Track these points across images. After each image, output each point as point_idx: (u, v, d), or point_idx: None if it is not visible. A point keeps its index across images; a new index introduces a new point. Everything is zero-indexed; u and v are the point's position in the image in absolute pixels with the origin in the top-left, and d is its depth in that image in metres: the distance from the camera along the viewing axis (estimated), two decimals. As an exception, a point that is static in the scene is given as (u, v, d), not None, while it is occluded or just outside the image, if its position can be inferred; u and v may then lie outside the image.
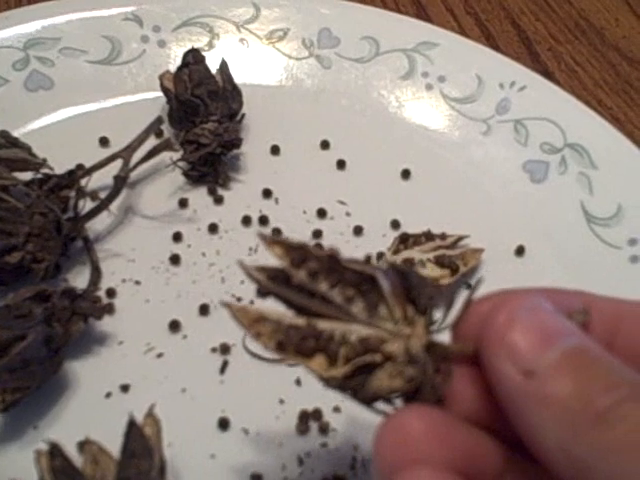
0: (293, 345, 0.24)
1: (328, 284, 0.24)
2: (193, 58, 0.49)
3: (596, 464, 0.21)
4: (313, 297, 0.24)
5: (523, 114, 0.51)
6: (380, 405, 0.25)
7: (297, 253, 0.24)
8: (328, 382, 0.24)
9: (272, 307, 0.25)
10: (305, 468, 0.37)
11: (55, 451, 0.32)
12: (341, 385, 0.24)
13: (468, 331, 0.25)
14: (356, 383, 0.24)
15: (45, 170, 0.44)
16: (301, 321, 0.24)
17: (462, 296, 0.25)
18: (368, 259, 0.25)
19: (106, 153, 0.45)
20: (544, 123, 0.50)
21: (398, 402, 0.25)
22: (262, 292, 0.25)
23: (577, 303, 0.25)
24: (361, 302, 0.24)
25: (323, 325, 0.24)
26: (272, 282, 0.24)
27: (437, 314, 0.25)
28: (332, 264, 0.24)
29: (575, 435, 0.21)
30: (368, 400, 0.24)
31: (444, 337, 0.25)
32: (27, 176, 0.43)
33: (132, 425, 0.32)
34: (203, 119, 0.47)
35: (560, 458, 0.22)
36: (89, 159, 0.45)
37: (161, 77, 0.49)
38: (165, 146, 0.43)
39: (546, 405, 0.21)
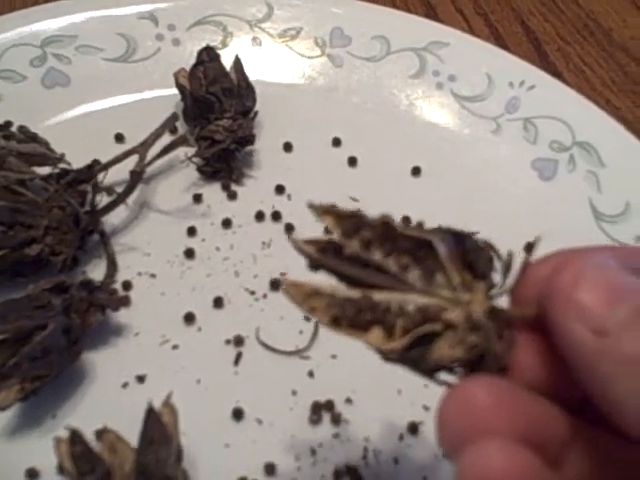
0: (348, 319, 0.23)
1: (382, 253, 0.23)
2: (208, 56, 0.49)
3: None
4: (366, 268, 0.23)
5: (532, 113, 0.51)
6: (442, 376, 0.24)
7: (349, 222, 0.23)
8: (387, 355, 0.23)
9: (325, 281, 0.24)
10: (318, 458, 0.38)
11: (75, 437, 0.33)
12: (401, 357, 0.23)
13: (527, 295, 0.24)
14: (416, 354, 0.23)
15: (63, 165, 0.44)
16: (355, 293, 0.23)
17: (520, 259, 0.24)
18: (421, 224, 0.24)
19: (121, 149, 0.46)
20: (553, 122, 0.51)
21: (460, 372, 0.24)
22: (313, 265, 0.24)
23: None
24: (417, 270, 0.23)
25: (379, 296, 0.23)
26: (323, 255, 0.24)
27: (496, 278, 0.24)
28: (386, 231, 0.23)
29: None
30: (429, 371, 0.24)
31: (503, 303, 0.24)
32: (45, 171, 0.44)
33: (151, 412, 0.33)
34: (217, 116, 0.48)
35: (637, 418, 0.21)
36: (105, 155, 0.46)
37: (176, 74, 0.50)
38: (181, 142, 0.44)
39: (623, 362, 0.21)
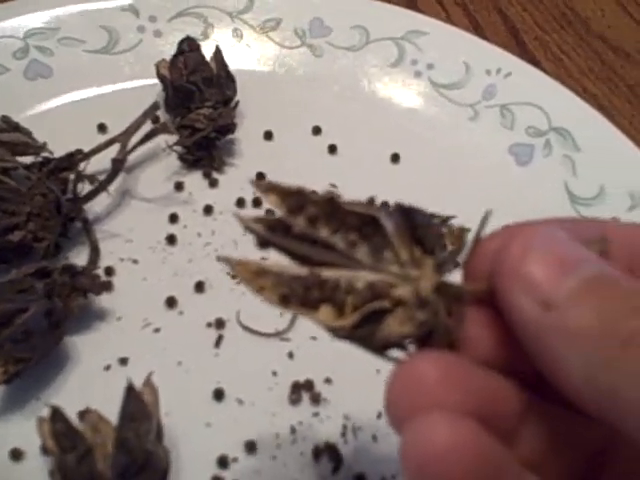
0: (298, 297, 0.23)
1: (329, 230, 0.23)
2: (188, 46, 0.50)
3: (625, 391, 0.20)
4: (315, 245, 0.23)
5: (509, 99, 0.52)
6: (392, 353, 0.24)
7: (294, 199, 0.23)
8: (336, 332, 0.23)
9: (274, 260, 0.23)
10: (297, 436, 0.39)
11: (56, 415, 0.33)
12: (350, 335, 0.23)
13: (479, 269, 0.24)
14: (366, 332, 0.23)
15: (45, 154, 0.45)
16: (304, 271, 0.23)
17: (471, 234, 0.24)
18: (371, 201, 0.24)
19: (104, 139, 0.47)
20: (529, 108, 0.52)
21: (411, 348, 0.24)
22: (261, 244, 0.24)
23: (594, 232, 0.24)
24: (365, 246, 0.23)
25: (327, 274, 0.23)
26: (271, 233, 0.23)
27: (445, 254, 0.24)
28: (332, 208, 0.23)
29: (601, 363, 0.20)
30: (379, 348, 0.23)
31: (455, 278, 0.24)
32: (28, 160, 0.44)
33: (130, 390, 0.34)
34: (198, 105, 0.49)
35: (586, 390, 0.21)
36: (88, 145, 0.46)
37: (157, 65, 0.50)
38: (162, 129, 0.45)
39: (569, 336, 0.20)
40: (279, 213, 0.23)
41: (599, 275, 0.21)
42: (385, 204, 0.24)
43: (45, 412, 0.35)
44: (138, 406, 0.34)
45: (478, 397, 0.22)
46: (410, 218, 0.23)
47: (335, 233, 0.23)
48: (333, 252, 0.23)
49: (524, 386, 0.24)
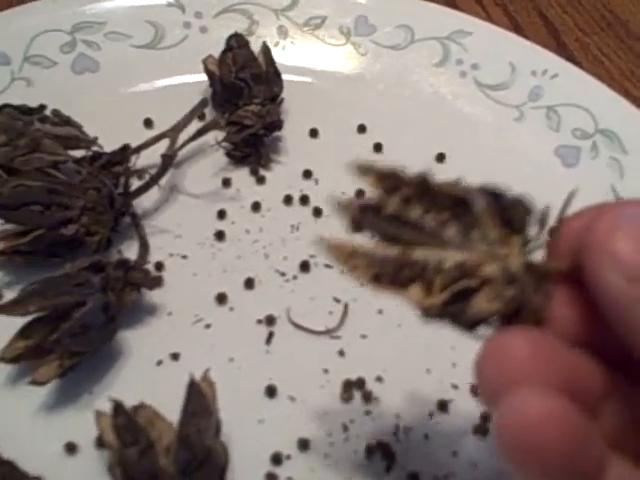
0: (389, 276, 0.24)
1: (421, 209, 0.24)
2: (237, 42, 0.50)
3: None
4: (406, 226, 0.24)
5: (555, 101, 0.52)
6: (481, 330, 0.25)
7: (389, 181, 0.24)
8: (427, 311, 0.24)
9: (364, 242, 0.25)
10: (350, 434, 0.39)
11: (118, 409, 0.34)
12: (440, 313, 0.24)
13: (562, 248, 0.25)
14: (455, 309, 0.24)
15: (95, 148, 0.45)
16: (395, 251, 0.24)
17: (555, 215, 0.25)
18: (461, 182, 0.25)
19: (150, 134, 0.47)
20: (575, 110, 0.52)
21: (499, 326, 0.25)
22: (354, 225, 0.25)
23: None
24: (455, 225, 0.24)
25: (417, 254, 0.24)
26: (363, 214, 0.24)
27: (532, 233, 0.25)
28: (424, 188, 0.24)
29: None
30: (469, 326, 0.24)
31: (539, 257, 0.25)
32: (77, 154, 0.44)
33: (192, 385, 0.34)
34: (246, 101, 0.49)
35: None
36: (133, 139, 0.47)
37: (205, 61, 0.50)
38: (213, 125, 0.45)
39: None
40: (375, 194, 0.24)
41: None
42: (476, 187, 0.25)
43: (99, 406, 0.35)
44: (199, 402, 0.34)
45: (565, 373, 0.23)
46: (498, 199, 0.25)
47: (427, 212, 0.24)
48: (423, 232, 0.24)
49: (608, 364, 0.24)
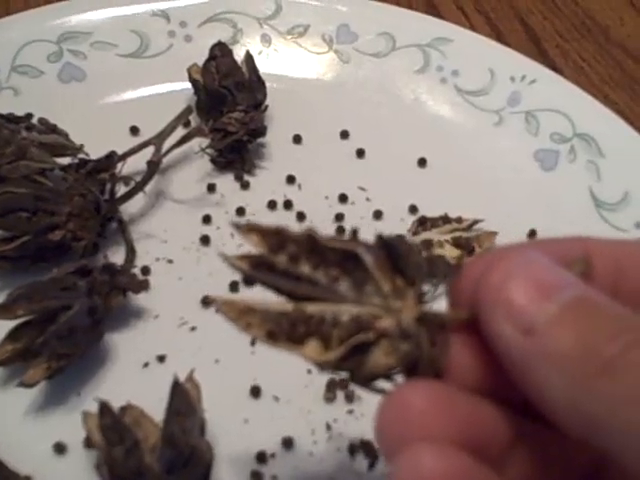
0: (284, 332, 0.23)
1: (310, 266, 0.24)
2: (220, 51, 0.51)
3: (606, 417, 0.20)
4: (299, 280, 0.24)
5: (533, 106, 0.53)
6: (380, 384, 0.24)
7: (274, 238, 0.24)
8: (323, 367, 0.24)
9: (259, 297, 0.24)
10: (333, 433, 0.39)
11: (104, 409, 0.34)
12: (337, 368, 0.23)
13: (463, 296, 0.24)
14: (352, 364, 0.23)
15: (81, 155, 0.46)
16: (290, 307, 0.23)
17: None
18: (354, 234, 0.24)
19: (136, 141, 0.48)
20: (554, 114, 0.53)
21: (398, 379, 0.24)
22: (247, 281, 0.25)
23: (576, 251, 0.24)
24: (347, 281, 0.24)
25: (312, 308, 0.23)
26: (256, 270, 0.24)
27: (429, 283, 0.24)
28: (311, 245, 0.24)
29: (582, 388, 0.20)
30: (366, 380, 0.24)
31: (441, 305, 0.25)
32: (64, 162, 0.45)
33: (176, 385, 0.35)
34: (230, 109, 0.50)
35: (569, 415, 0.21)
36: (120, 147, 0.47)
37: (189, 69, 0.51)
38: (197, 132, 0.46)
39: (549, 361, 0.21)
40: (261, 251, 0.24)
41: (579, 299, 0.21)
42: (363, 241, 0.24)
43: (87, 407, 0.36)
44: (183, 401, 0.35)
45: (466, 425, 0.22)
46: (391, 249, 0.24)
47: (317, 269, 0.24)
48: (317, 287, 0.23)
49: (512, 410, 0.24)
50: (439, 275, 0.25)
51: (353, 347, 0.23)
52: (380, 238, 0.24)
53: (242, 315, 0.24)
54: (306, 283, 0.24)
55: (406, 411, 0.22)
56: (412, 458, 0.21)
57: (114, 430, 0.34)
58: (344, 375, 0.24)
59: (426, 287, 0.24)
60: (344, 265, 0.24)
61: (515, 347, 0.21)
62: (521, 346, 0.21)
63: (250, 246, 0.24)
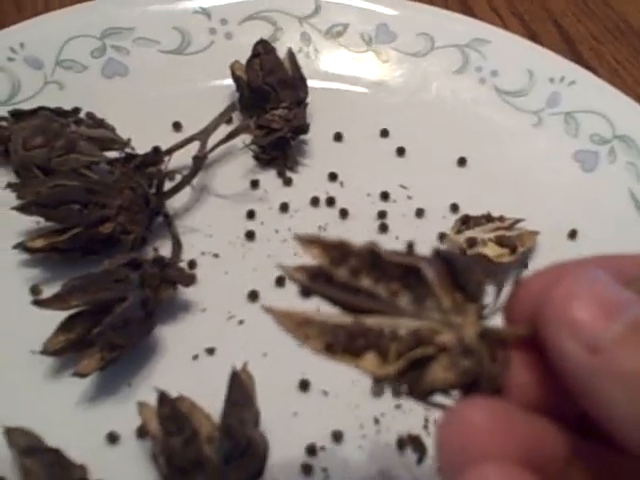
0: (342, 345, 0.23)
1: (371, 280, 0.23)
2: (263, 48, 0.51)
3: None
4: (358, 293, 0.23)
5: (573, 107, 0.53)
6: (438, 398, 0.24)
7: (336, 251, 0.24)
8: (382, 380, 0.23)
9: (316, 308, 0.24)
10: (381, 427, 0.40)
11: (163, 399, 0.35)
12: (396, 381, 0.23)
13: (521, 312, 0.24)
14: (411, 378, 0.23)
15: (128, 149, 0.46)
16: (348, 319, 0.23)
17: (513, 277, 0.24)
18: (410, 248, 0.24)
19: (178, 137, 0.48)
20: (593, 116, 0.53)
21: (456, 394, 0.24)
22: (305, 292, 0.24)
23: (635, 268, 0.24)
24: (407, 295, 0.23)
25: (371, 321, 0.23)
26: (314, 281, 0.23)
27: (489, 297, 0.24)
28: (373, 259, 0.23)
29: None
30: (424, 394, 0.23)
31: (497, 321, 0.25)
32: (110, 155, 0.46)
33: (235, 376, 0.35)
34: (273, 106, 0.50)
35: (636, 433, 0.21)
36: (162, 142, 0.48)
37: (232, 66, 0.52)
38: (244, 129, 0.46)
39: (617, 379, 0.20)
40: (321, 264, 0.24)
41: None
42: (425, 256, 0.24)
43: (139, 397, 0.37)
44: (241, 392, 0.35)
45: (526, 442, 0.22)
46: (451, 264, 0.24)
47: (377, 283, 0.23)
48: (376, 300, 0.23)
49: (570, 428, 0.24)
50: (498, 287, 0.25)
51: (412, 361, 0.23)
52: (438, 253, 0.24)
53: (299, 327, 0.24)
54: (365, 296, 0.23)
55: (468, 428, 0.22)
56: (479, 476, 0.21)
57: (172, 420, 0.34)
58: (402, 389, 0.23)
59: (485, 303, 0.24)
60: (405, 280, 0.23)
61: (581, 365, 0.21)
62: (587, 364, 0.21)
63: (310, 258, 0.24)
